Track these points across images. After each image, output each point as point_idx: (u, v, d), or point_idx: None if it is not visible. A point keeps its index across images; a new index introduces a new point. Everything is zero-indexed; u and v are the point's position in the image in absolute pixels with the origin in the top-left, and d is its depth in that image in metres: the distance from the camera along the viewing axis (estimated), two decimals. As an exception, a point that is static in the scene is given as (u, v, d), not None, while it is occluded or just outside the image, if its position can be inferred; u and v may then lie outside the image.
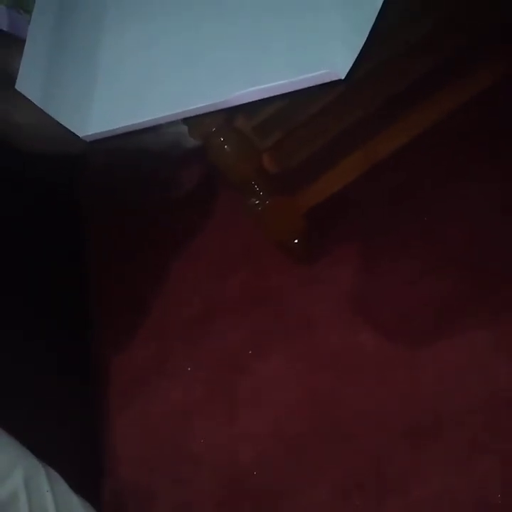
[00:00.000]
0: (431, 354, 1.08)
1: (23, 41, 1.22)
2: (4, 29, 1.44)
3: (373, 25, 0.82)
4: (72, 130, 0.86)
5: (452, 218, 1.19)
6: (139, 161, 1.51)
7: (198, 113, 0.88)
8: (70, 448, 1.15)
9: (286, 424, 1.14)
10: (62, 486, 0.94)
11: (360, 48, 0.83)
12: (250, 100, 0.87)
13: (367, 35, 0.82)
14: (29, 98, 0.88)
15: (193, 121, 1.01)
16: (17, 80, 0.90)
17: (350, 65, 0.83)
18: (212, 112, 0.90)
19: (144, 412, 1.28)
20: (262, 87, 0.85)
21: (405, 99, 1.15)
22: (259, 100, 0.88)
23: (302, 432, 1.11)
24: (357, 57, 0.83)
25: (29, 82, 0.89)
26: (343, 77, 0.83)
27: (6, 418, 0.97)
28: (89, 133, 0.86)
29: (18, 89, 0.89)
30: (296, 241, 1.25)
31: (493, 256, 1.12)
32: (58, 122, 0.86)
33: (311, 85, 0.85)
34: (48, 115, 0.87)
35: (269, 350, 1.22)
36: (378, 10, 0.82)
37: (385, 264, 1.20)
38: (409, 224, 1.22)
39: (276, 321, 1.25)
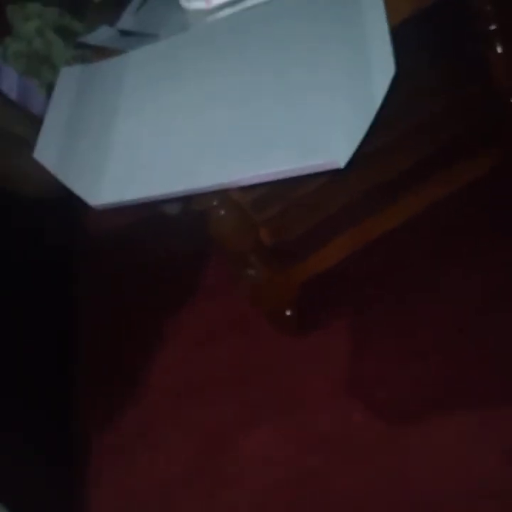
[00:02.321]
0: (419, 437, 1.08)
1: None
2: (13, 96, 1.51)
3: (374, 118, 0.87)
4: (83, 198, 0.90)
5: (440, 303, 1.22)
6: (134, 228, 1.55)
7: (202, 191, 0.93)
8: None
9: (269, 500, 1.12)
10: None
11: (361, 139, 0.87)
12: (252, 183, 0.91)
13: (367, 128, 0.87)
14: (45, 166, 0.92)
15: (196, 195, 1.06)
16: (35, 149, 0.95)
17: (350, 156, 0.87)
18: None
19: (123, 482, 1.26)
20: (265, 172, 0.89)
21: (400, 183, 1.20)
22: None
23: (284, 509, 1.10)
24: (357, 147, 0.87)
25: (46, 151, 0.94)
26: (342, 167, 0.88)
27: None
28: (100, 203, 0.90)
29: (36, 158, 0.94)
30: (288, 313, 1.28)
31: (482, 346, 1.13)
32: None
33: (311, 172, 0.89)
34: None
35: (256, 426, 1.21)
36: (379, 104, 0.87)
37: (376, 343, 1.22)
38: (399, 303, 1.25)
39: (265, 396, 1.24)
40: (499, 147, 1.24)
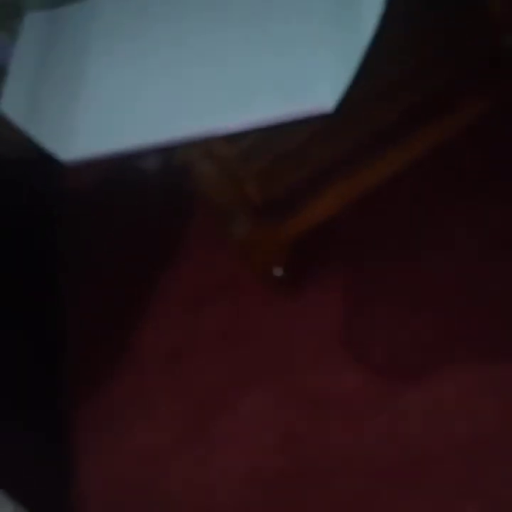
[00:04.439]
0: (417, 394, 1.06)
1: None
2: None
3: (361, 61, 0.83)
4: (53, 153, 0.85)
5: (438, 255, 1.19)
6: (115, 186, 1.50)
7: (182, 141, 0.88)
8: (38, 488, 1.11)
9: (264, 464, 1.11)
10: None
11: (349, 82, 0.83)
12: (237, 130, 0.87)
13: (355, 70, 0.83)
14: (12, 119, 0.87)
15: (178, 148, 1.01)
16: (1, 101, 0.89)
17: (338, 99, 0.83)
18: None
19: (113, 451, 1.23)
20: (251, 118, 0.85)
21: (392, 132, 1.16)
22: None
23: (279, 473, 1.09)
24: (345, 91, 0.83)
25: (13, 104, 0.89)
26: (330, 111, 0.83)
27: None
28: (71, 157, 0.85)
29: (2, 111, 0.88)
30: (278, 272, 1.24)
31: (481, 298, 1.12)
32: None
33: (298, 118, 0.85)
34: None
35: (248, 388, 1.19)
36: (366, 46, 0.83)
37: (371, 300, 1.19)
38: (396, 259, 1.21)
39: (257, 357, 1.22)
40: (493, 91, 1.19)
